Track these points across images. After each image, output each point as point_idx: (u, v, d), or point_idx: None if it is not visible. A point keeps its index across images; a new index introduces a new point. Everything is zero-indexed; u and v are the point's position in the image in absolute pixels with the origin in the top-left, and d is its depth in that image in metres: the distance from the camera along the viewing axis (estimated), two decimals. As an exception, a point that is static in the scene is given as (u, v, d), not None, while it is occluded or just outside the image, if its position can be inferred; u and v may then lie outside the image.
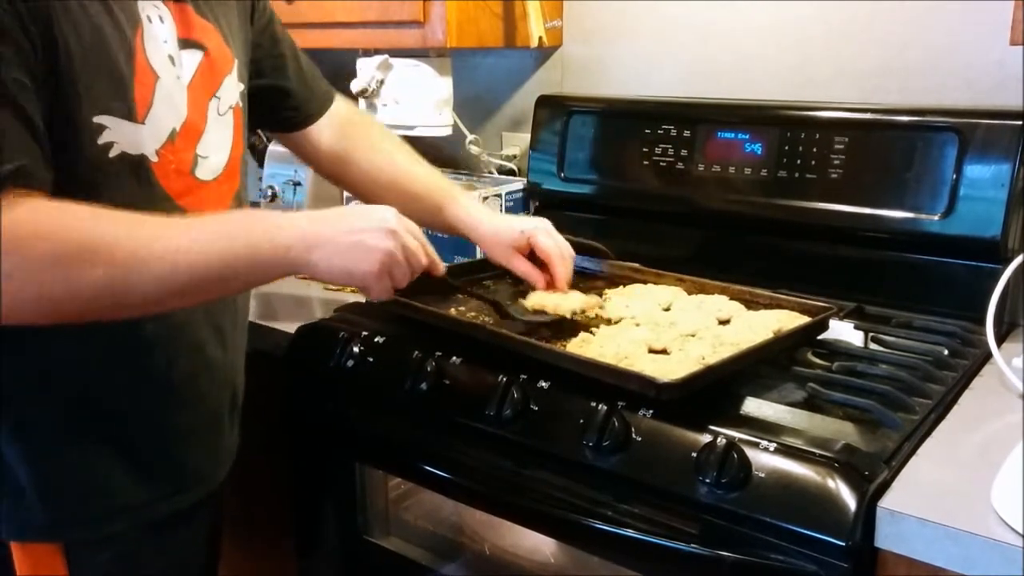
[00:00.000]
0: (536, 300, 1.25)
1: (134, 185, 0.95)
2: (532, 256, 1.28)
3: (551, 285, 1.27)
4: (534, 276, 1.26)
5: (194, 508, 1.12)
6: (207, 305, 1.06)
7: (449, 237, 1.70)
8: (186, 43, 1.02)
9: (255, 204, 2.02)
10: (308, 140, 1.33)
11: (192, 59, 1.02)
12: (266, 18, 1.25)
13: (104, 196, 0.90)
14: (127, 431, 1.03)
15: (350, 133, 1.34)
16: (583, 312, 1.25)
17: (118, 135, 0.93)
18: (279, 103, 1.29)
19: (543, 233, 1.26)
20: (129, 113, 0.93)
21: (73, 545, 1.01)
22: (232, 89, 1.09)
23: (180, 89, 1.00)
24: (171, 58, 0.99)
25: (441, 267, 1.11)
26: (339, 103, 1.37)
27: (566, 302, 1.25)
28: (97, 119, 0.91)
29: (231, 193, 1.09)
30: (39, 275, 0.83)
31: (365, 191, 1.36)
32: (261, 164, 2.04)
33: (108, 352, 0.99)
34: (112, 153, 0.92)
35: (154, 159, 0.97)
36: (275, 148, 1.98)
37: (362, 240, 0.97)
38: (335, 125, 1.34)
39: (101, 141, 0.91)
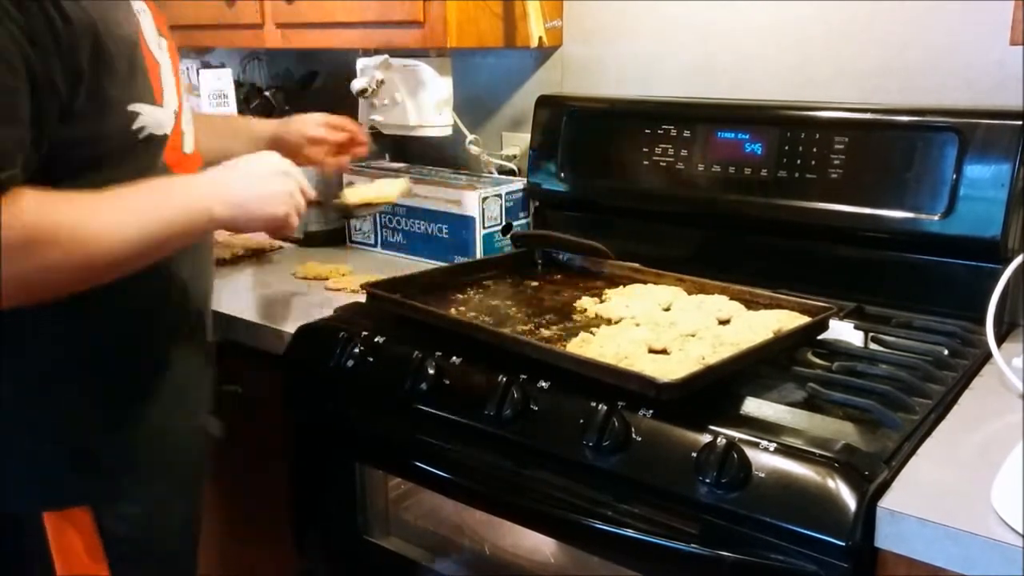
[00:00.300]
0: (358, 194, 1.39)
1: (148, 160, 1.06)
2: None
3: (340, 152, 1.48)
4: (328, 160, 1.46)
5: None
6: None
7: (450, 237, 1.71)
8: (159, 33, 1.13)
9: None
10: None
11: (165, 47, 1.14)
12: None
13: (124, 170, 1.01)
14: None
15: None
16: (401, 195, 1.40)
17: (148, 120, 1.04)
18: None
19: (310, 122, 1.46)
20: (152, 98, 1.05)
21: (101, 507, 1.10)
22: (182, 72, 1.22)
23: (170, 73, 1.12)
24: (159, 47, 1.11)
25: (311, 192, 1.22)
26: None
27: (388, 188, 1.40)
28: (132, 107, 1.01)
29: (200, 161, 1.20)
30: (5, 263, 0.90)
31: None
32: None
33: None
34: (142, 135, 1.03)
35: (169, 137, 1.08)
36: (275, 148, 1.98)
37: (269, 187, 1.11)
38: None
39: (135, 126, 1.02)
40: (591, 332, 1.19)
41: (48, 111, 0.93)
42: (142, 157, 1.05)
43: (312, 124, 1.48)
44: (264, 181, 1.11)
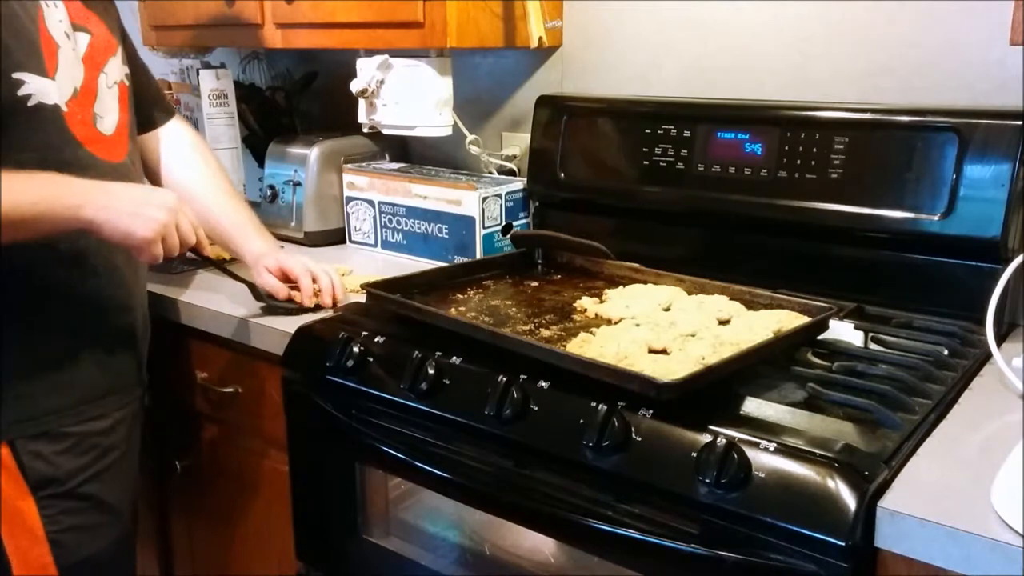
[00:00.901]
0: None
1: (53, 130, 1.20)
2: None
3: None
4: (275, 287, 1.45)
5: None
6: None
7: (451, 237, 1.71)
8: (76, 27, 1.25)
9: (255, 204, 2.03)
10: (147, 147, 1.50)
11: (83, 39, 1.27)
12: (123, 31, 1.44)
13: (27, 137, 1.16)
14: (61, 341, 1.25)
15: (183, 162, 1.53)
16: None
17: (34, 88, 1.17)
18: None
19: (293, 258, 1.48)
20: (41, 71, 1.18)
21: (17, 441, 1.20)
22: (116, 68, 1.33)
23: (76, 59, 1.24)
24: (67, 35, 1.23)
25: (207, 248, 1.33)
26: (181, 127, 1.56)
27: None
28: (16, 75, 1.15)
29: (124, 148, 1.32)
30: None
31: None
32: (261, 164, 2.04)
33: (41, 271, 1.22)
34: (31, 103, 1.16)
35: (65, 109, 1.21)
36: (275, 148, 1.98)
37: (144, 211, 1.18)
38: (172, 148, 1.53)
39: (20, 93, 1.15)
40: (591, 332, 1.19)
41: None
42: (45, 126, 1.18)
43: (300, 268, 1.47)
44: (143, 204, 1.19)
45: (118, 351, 1.34)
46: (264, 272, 1.46)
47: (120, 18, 1.41)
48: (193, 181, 1.52)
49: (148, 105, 1.49)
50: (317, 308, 1.45)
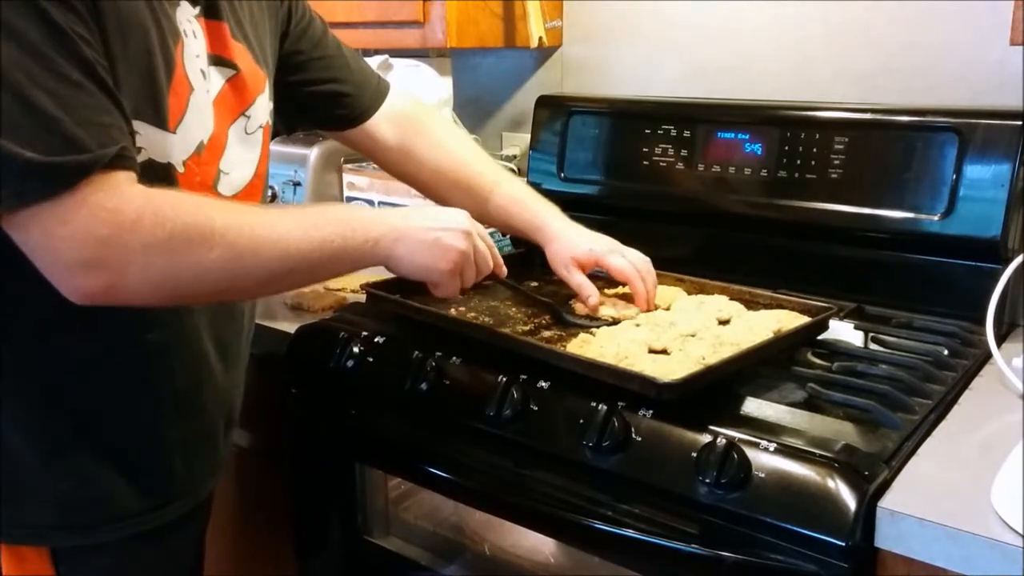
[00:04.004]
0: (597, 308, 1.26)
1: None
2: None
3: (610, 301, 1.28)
4: (586, 291, 1.26)
5: (183, 518, 1.11)
6: (211, 317, 1.07)
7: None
8: (217, 60, 1.03)
9: (255, 204, 2.02)
10: (367, 136, 1.32)
11: (221, 76, 1.04)
12: (305, 22, 1.26)
13: None
14: (123, 441, 1.03)
15: (411, 129, 1.33)
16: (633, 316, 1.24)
17: (148, 141, 0.93)
18: (330, 102, 1.30)
19: (615, 255, 1.26)
20: (161, 121, 0.95)
21: (62, 551, 1.01)
22: (263, 108, 1.11)
23: (208, 103, 1.01)
24: (203, 72, 1.01)
25: (504, 270, 1.15)
26: (397, 97, 1.35)
27: (627, 308, 1.25)
28: (134, 123, 0.91)
29: (255, 202, 1.11)
30: (161, 257, 0.85)
31: (431, 188, 1.36)
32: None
33: (109, 360, 0.99)
34: (141, 157, 0.92)
35: (180, 170, 0.98)
36: (275, 148, 1.98)
37: (441, 239, 1.03)
38: (395, 120, 1.33)
39: (137, 144, 0.92)
40: (591, 332, 1.19)
41: None
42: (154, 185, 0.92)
43: (628, 269, 1.25)
44: (439, 232, 1.03)
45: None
46: (575, 270, 1.26)
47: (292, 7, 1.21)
48: (453, 165, 1.32)
49: (357, 96, 1.30)
50: (615, 321, 1.23)
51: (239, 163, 1.07)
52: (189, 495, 1.11)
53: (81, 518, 1.01)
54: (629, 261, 1.26)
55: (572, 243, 1.28)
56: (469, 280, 1.08)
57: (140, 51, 0.91)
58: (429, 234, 1.02)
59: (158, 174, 0.95)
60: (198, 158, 1.00)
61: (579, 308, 1.28)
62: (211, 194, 1.02)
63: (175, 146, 0.97)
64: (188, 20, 0.99)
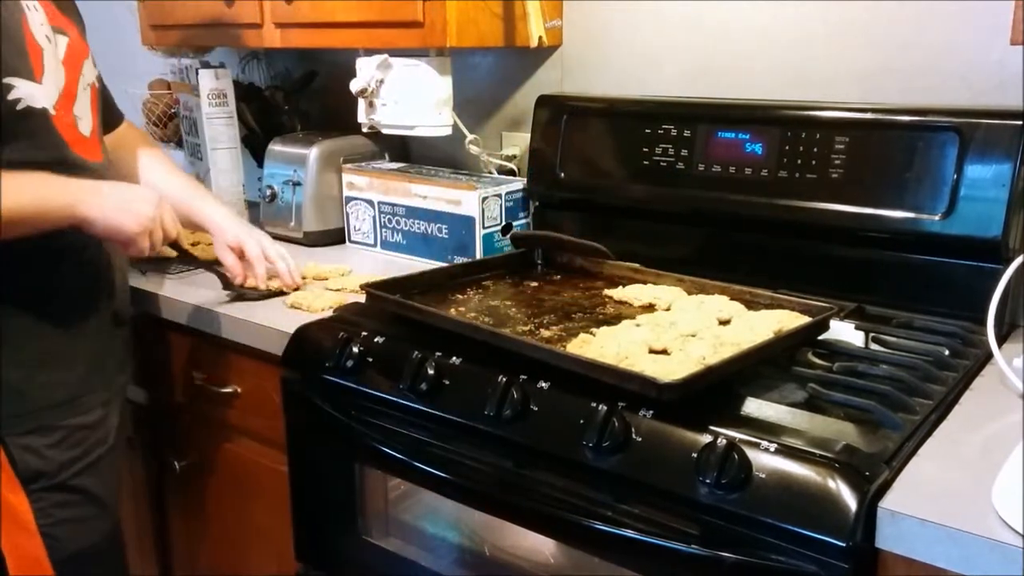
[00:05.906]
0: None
1: (42, 133, 1.21)
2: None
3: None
4: (233, 271, 1.51)
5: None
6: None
7: (450, 237, 1.71)
8: (55, 29, 1.27)
9: (254, 204, 2.03)
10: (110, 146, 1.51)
11: (62, 41, 1.28)
12: None
13: (17, 141, 1.18)
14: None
15: (123, 148, 1.54)
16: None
17: (23, 92, 1.18)
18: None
19: (252, 241, 1.51)
20: (30, 74, 1.19)
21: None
22: (89, 71, 1.35)
23: (57, 61, 1.26)
24: (47, 37, 1.24)
25: (184, 241, 1.47)
26: (127, 128, 1.59)
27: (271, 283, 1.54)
28: (7, 80, 1.16)
29: (100, 149, 1.35)
30: None
31: None
32: (260, 164, 2.04)
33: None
34: (19, 107, 1.18)
35: (53, 112, 1.23)
36: (274, 148, 1.98)
37: (132, 207, 1.25)
38: (115, 141, 1.53)
39: (10, 97, 1.17)
40: (591, 332, 1.19)
41: None
42: (34, 130, 1.20)
43: (256, 250, 1.51)
44: (131, 200, 1.26)
45: (106, 342, 1.36)
46: (225, 249, 1.50)
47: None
48: (153, 171, 1.56)
49: (111, 106, 1.53)
50: (282, 292, 1.53)
51: (85, 112, 1.31)
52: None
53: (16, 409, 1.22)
54: (262, 246, 1.52)
55: (224, 230, 1.51)
56: (157, 243, 1.29)
57: (6, 24, 1.17)
58: (121, 201, 1.24)
59: (37, 119, 1.20)
60: (59, 103, 1.24)
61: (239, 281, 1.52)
62: (75, 133, 1.27)
63: (44, 94, 1.21)
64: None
